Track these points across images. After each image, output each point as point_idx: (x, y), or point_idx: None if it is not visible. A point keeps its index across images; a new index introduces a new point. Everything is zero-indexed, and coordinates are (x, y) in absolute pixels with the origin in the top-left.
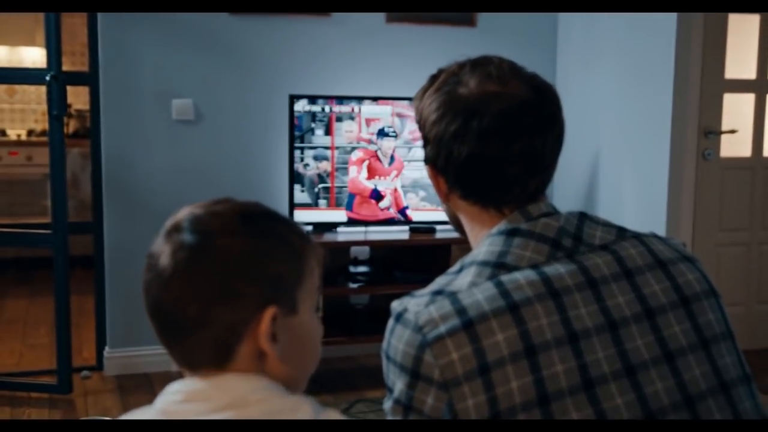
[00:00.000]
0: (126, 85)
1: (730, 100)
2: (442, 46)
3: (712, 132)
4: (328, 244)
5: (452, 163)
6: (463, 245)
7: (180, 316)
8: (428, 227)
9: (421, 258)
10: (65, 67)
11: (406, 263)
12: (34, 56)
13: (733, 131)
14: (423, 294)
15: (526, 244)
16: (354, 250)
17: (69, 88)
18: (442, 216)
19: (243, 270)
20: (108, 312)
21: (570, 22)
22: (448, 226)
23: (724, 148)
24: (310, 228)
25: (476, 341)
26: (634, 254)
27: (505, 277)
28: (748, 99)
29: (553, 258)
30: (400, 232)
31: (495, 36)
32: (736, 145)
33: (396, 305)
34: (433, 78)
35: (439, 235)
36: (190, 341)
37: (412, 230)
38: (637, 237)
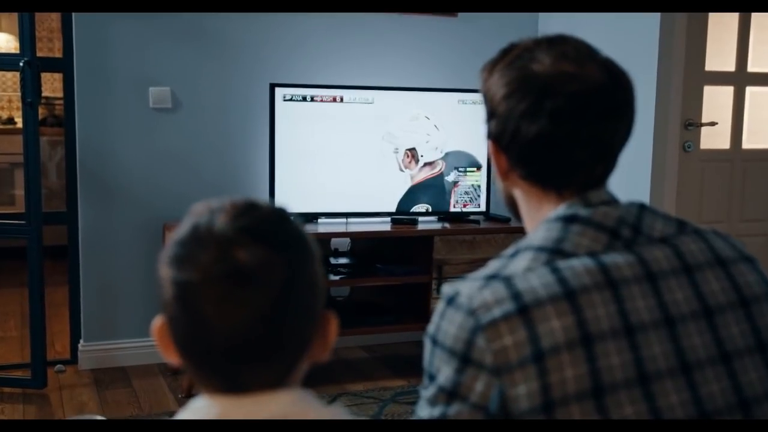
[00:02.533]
0: (101, 71)
1: (709, 92)
2: (423, 35)
3: (692, 124)
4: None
5: (518, 141)
6: (445, 236)
7: (257, 341)
8: (410, 219)
9: (402, 250)
10: None
11: (388, 255)
12: None
13: (713, 123)
14: (476, 278)
15: (584, 232)
16: (334, 241)
17: None
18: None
19: (319, 281)
20: (83, 304)
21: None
22: (431, 218)
23: (703, 140)
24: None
25: (531, 327)
26: (694, 250)
27: (562, 264)
28: (727, 91)
29: (610, 248)
30: (382, 224)
31: (476, 25)
32: (714, 137)
33: (447, 289)
34: (505, 52)
35: (421, 227)
36: (259, 365)
37: (394, 221)
38: (698, 232)
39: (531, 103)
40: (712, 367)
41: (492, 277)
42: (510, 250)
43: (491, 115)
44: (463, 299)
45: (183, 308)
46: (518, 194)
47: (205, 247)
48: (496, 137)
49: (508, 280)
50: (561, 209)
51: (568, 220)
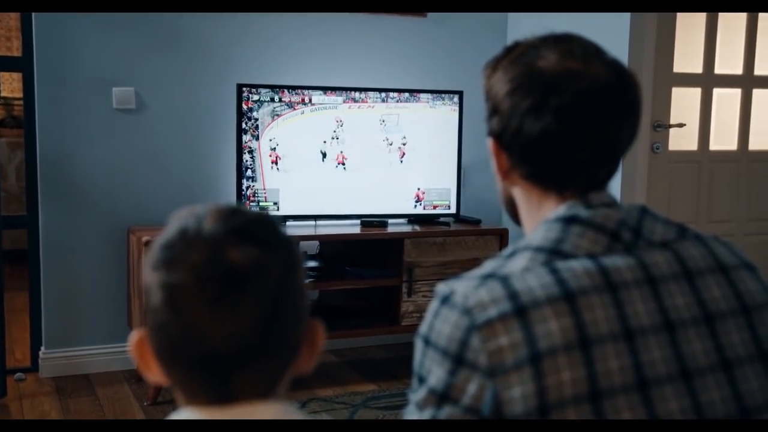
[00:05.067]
0: (62, 71)
1: (677, 93)
2: (392, 35)
3: (661, 125)
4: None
5: (521, 139)
6: (415, 239)
7: (251, 344)
8: (380, 221)
9: (372, 252)
10: None
11: (357, 258)
12: None
13: (681, 125)
14: (472, 277)
15: (584, 233)
16: (303, 244)
17: None
18: (394, 209)
19: (305, 284)
20: (44, 310)
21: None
22: (401, 220)
23: (671, 141)
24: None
25: (528, 327)
26: (695, 255)
27: (561, 265)
28: (695, 93)
29: (611, 250)
30: (351, 226)
31: (445, 25)
32: (682, 138)
33: (442, 287)
34: (509, 49)
35: (391, 229)
36: (251, 371)
37: (363, 224)
38: (699, 238)
39: (536, 100)
40: (713, 375)
41: (488, 276)
42: (508, 250)
43: (493, 112)
44: (459, 298)
45: (173, 313)
46: (518, 194)
47: (195, 248)
48: (497, 135)
49: (505, 280)
50: (561, 210)
51: (568, 221)
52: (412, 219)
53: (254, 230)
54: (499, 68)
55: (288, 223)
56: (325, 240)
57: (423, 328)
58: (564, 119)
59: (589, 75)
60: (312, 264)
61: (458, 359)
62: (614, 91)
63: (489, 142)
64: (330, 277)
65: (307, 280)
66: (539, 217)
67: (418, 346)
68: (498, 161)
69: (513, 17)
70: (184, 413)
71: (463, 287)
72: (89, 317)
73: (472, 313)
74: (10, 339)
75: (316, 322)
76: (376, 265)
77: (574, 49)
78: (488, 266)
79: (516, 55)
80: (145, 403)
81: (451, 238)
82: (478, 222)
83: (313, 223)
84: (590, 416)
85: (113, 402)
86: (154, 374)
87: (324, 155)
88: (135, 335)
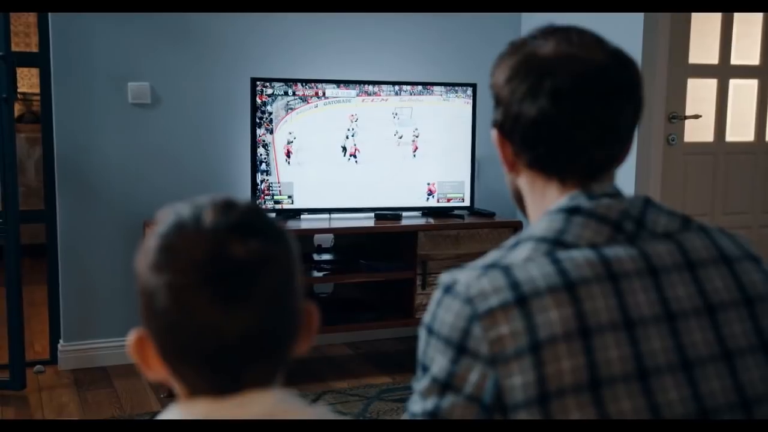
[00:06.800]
0: (79, 66)
1: (692, 84)
2: (405, 28)
3: (676, 117)
4: (291, 232)
5: (520, 125)
6: (429, 232)
7: (262, 336)
8: (394, 214)
9: (386, 245)
10: None
11: (371, 251)
12: None
13: (697, 116)
14: (475, 267)
15: (587, 224)
16: (317, 237)
17: None
18: (408, 202)
19: (299, 265)
20: (62, 303)
21: None
22: (415, 213)
23: (687, 133)
24: (274, 215)
25: (529, 317)
26: (698, 246)
27: (562, 255)
28: (711, 84)
29: (613, 241)
30: (365, 219)
31: (458, 18)
32: (698, 130)
33: (445, 277)
34: (513, 43)
35: (405, 222)
36: (261, 361)
37: (378, 217)
38: (703, 229)
39: (531, 83)
40: (714, 365)
41: (491, 266)
42: (511, 241)
43: (496, 103)
44: (461, 287)
45: (184, 314)
46: (523, 185)
47: (198, 246)
48: (500, 124)
49: (507, 270)
50: (564, 201)
51: (570, 211)
52: (426, 212)
53: (252, 222)
54: (502, 63)
55: (302, 216)
56: (339, 233)
57: (426, 317)
58: (559, 100)
59: (585, 58)
60: (327, 257)
61: (460, 348)
62: (610, 72)
63: (493, 134)
64: (344, 270)
65: (322, 273)
66: (544, 206)
67: (422, 335)
68: (503, 152)
69: (527, 15)
70: (182, 405)
71: (466, 277)
72: (107, 310)
73: (473, 303)
74: (30, 332)
75: (311, 305)
76: (391, 257)
77: (572, 37)
78: (491, 256)
79: (517, 47)
80: (162, 396)
81: (465, 231)
82: (492, 215)
83: (327, 216)
84: (590, 404)
85: (131, 394)
86: (157, 373)
87: (344, 150)
88: (133, 336)
